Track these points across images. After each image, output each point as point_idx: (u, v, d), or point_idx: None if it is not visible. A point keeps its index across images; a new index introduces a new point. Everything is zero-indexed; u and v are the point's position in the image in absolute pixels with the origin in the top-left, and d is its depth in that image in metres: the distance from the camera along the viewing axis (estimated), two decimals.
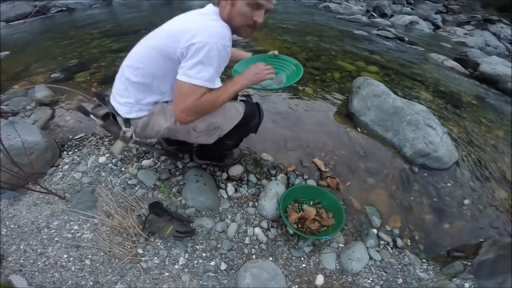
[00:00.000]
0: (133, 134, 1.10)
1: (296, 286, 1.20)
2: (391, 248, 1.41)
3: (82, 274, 1.13)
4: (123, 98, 1.06)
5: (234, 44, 1.08)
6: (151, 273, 1.17)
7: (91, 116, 1.12)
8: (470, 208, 1.65)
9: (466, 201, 1.68)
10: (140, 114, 1.07)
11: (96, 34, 3.82)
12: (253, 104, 1.28)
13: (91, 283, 1.11)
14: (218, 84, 0.99)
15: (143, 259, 1.20)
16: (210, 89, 0.96)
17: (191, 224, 1.32)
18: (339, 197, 1.51)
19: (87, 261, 1.17)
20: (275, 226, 1.40)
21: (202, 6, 1.06)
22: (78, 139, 1.72)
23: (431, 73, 3.45)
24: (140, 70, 1.00)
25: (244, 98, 1.35)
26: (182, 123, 1.03)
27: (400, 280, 1.28)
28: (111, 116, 1.12)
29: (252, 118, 1.24)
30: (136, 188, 1.43)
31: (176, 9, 4.81)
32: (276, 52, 1.42)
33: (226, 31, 0.96)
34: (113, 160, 1.56)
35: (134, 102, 1.05)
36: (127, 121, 1.08)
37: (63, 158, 1.59)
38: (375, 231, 1.45)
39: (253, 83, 1.10)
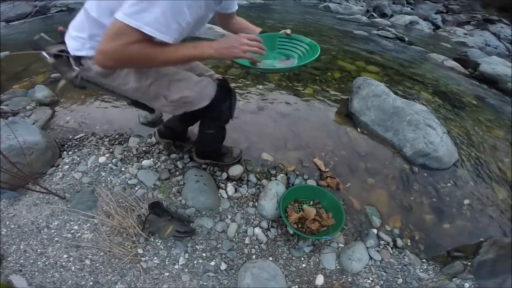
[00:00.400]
0: (79, 75, 0.98)
1: (296, 286, 1.20)
2: (391, 248, 1.41)
3: (82, 274, 1.13)
4: (76, 32, 0.93)
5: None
6: (151, 273, 1.17)
7: (43, 53, 0.98)
8: (470, 208, 1.65)
9: (466, 201, 1.68)
10: (92, 52, 0.91)
11: None
12: (224, 86, 1.19)
13: (91, 283, 1.11)
14: (167, 36, 0.78)
15: (143, 259, 1.20)
16: (152, 39, 0.77)
17: (191, 224, 1.32)
18: (339, 197, 1.51)
19: (87, 261, 1.17)
20: (275, 226, 1.40)
21: None
22: (78, 139, 1.72)
23: (431, 73, 3.45)
24: (101, 1, 0.85)
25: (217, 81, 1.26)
26: (97, 65, 0.87)
27: (400, 280, 1.28)
28: (65, 56, 0.98)
29: (222, 101, 1.17)
30: (136, 188, 1.43)
31: None
32: (288, 31, 1.23)
33: None
34: (113, 160, 1.56)
35: (87, 37, 0.90)
36: (77, 59, 0.95)
37: (63, 158, 1.59)
38: (375, 231, 1.46)
39: (222, 57, 0.92)
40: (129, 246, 1.21)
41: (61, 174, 1.50)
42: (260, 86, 2.37)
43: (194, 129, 1.75)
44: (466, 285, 1.28)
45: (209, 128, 1.32)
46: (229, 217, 1.39)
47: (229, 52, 0.90)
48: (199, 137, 1.42)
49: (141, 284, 1.13)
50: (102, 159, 1.56)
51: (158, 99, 1.08)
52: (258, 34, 1.25)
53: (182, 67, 1.16)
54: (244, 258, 1.26)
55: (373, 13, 7.81)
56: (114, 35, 0.75)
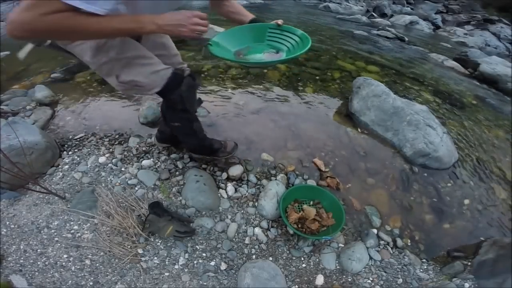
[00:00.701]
0: None
1: (296, 286, 1.20)
2: (391, 248, 1.41)
3: (82, 274, 1.13)
4: None
5: None
6: (151, 273, 1.17)
7: None
8: (470, 208, 1.65)
9: (466, 201, 1.68)
10: None
11: None
12: (178, 74, 1.11)
13: (91, 283, 1.11)
14: (94, 7, 0.70)
15: (143, 259, 1.20)
16: (76, 9, 0.68)
17: (191, 224, 1.32)
18: (339, 197, 1.51)
19: (87, 261, 1.17)
20: (275, 226, 1.40)
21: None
22: (78, 139, 1.72)
23: (431, 73, 3.45)
24: None
25: (181, 67, 1.18)
26: (8, 35, 0.77)
27: (400, 280, 1.28)
28: None
29: (173, 89, 1.10)
30: (136, 188, 1.43)
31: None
32: (280, 22, 1.15)
33: None
34: (113, 160, 1.56)
35: None
36: None
37: (63, 158, 1.59)
38: (375, 231, 1.46)
39: (166, 34, 0.87)
40: (129, 246, 1.21)
41: (61, 174, 1.50)
42: (260, 86, 2.37)
43: None
44: (466, 285, 1.28)
45: (171, 120, 1.28)
46: (229, 217, 1.39)
47: (176, 30, 0.84)
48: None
49: (141, 284, 1.13)
50: (102, 159, 1.56)
51: (110, 77, 1.05)
52: (249, 22, 1.19)
53: (156, 51, 1.11)
54: (244, 258, 1.26)
55: (373, 13, 7.80)
56: (30, 4, 0.66)
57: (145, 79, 1.03)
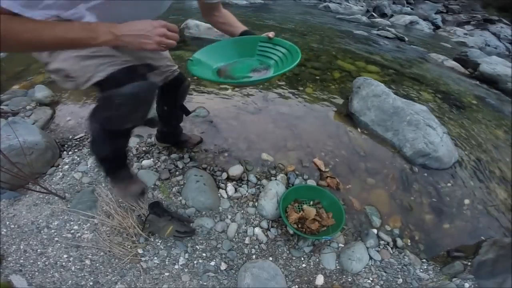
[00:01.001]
0: None
1: (296, 286, 1.20)
2: (391, 248, 1.41)
3: (82, 274, 1.13)
4: None
5: None
6: (151, 273, 1.17)
7: None
8: (470, 208, 1.65)
9: (466, 201, 1.68)
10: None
11: None
12: (135, 71, 0.84)
13: (91, 283, 1.11)
14: (29, 11, 0.61)
15: (143, 259, 1.20)
16: (15, 14, 0.60)
17: (191, 224, 1.32)
18: (339, 197, 1.51)
19: (87, 261, 1.17)
20: (275, 226, 1.40)
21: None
22: (78, 139, 1.72)
23: (431, 73, 3.45)
24: None
25: (144, 64, 0.93)
26: None
27: (400, 280, 1.28)
28: None
29: (112, 86, 0.80)
30: None
31: (175, 9, 4.81)
32: (271, 35, 1.06)
33: None
34: None
35: None
36: None
37: (63, 158, 1.59)
38: (375, 231, 1.45)
39: (126, 46, 0.71)
40: (129, 246, 1.21)
41: (61, 174, 1.50)
42: (260, 86, 2.37)
43: (191, 130, 1.74)
44: (466, 285, 1.28)
45: (93, 114, 0.92)
46: (229, 217, 1.39)
47: (136, 42, 0.70)
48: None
49: (141, 284, 1.13)
50: None
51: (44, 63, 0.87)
52: (240, 35, 1.10)
53: (140, 54, 0.94)
54: (244, 258, 1.26)
55: (373, 13, 7.81)
56: None
57: (73, 66, 0.81)
